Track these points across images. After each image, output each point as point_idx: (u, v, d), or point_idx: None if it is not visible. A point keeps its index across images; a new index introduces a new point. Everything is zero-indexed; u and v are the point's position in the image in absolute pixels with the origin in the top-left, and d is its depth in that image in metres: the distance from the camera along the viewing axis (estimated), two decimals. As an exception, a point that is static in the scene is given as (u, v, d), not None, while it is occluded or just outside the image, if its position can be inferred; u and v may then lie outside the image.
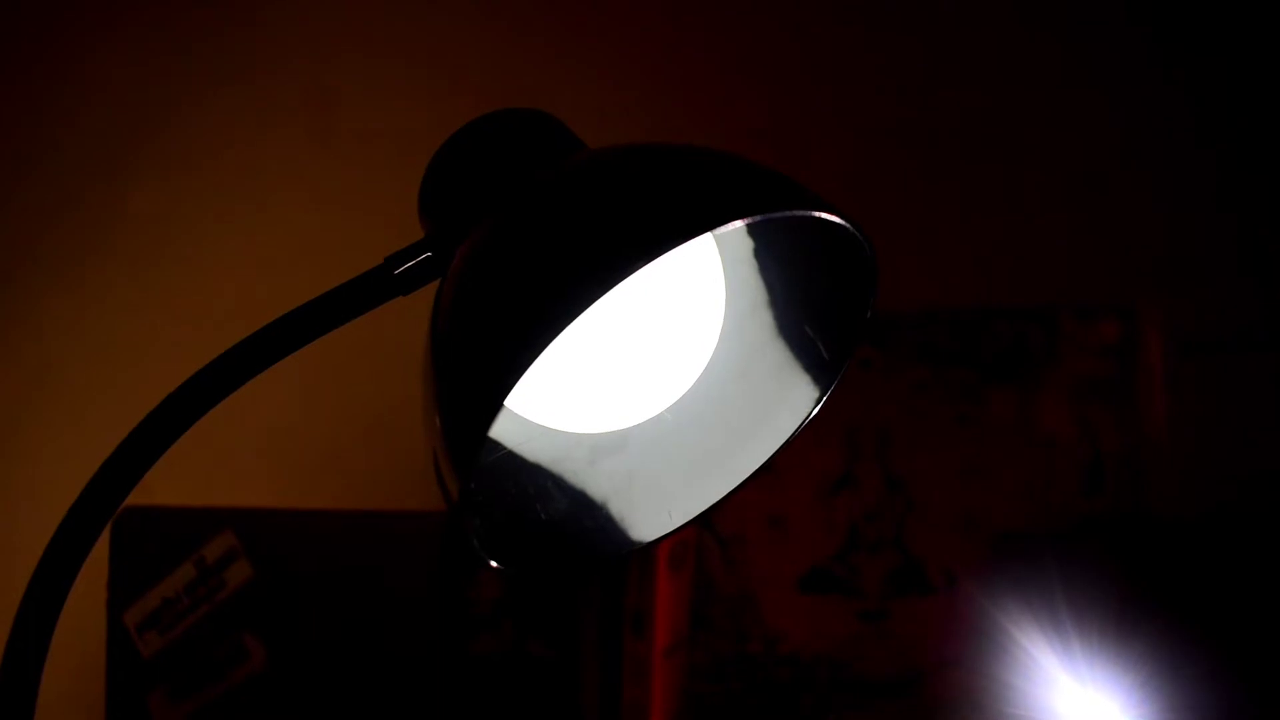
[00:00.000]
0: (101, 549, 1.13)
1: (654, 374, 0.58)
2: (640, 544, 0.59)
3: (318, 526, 1.27)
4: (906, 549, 1.27)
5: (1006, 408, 1.27)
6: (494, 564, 0.52)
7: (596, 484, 0.58)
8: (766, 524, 1.26)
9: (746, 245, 0.56)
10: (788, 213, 0.46)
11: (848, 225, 0.48)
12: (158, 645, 1.25)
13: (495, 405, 0.44)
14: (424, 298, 0.57)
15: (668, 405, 0.58)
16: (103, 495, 0.55)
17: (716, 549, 1.26)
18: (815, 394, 0.57)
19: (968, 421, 1.27)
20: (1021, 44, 1.35)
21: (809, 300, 0.56)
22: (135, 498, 0.58)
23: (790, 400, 0.58)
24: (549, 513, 0.57)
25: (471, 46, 1.35)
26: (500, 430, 0.55)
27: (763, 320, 0.57)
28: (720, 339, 0.58)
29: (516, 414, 0.55)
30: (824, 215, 0.47)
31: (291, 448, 1.28)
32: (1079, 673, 1.13)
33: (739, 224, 0.47)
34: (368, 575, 1.25)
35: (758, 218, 0.47)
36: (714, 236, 0.54)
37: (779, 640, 1.26)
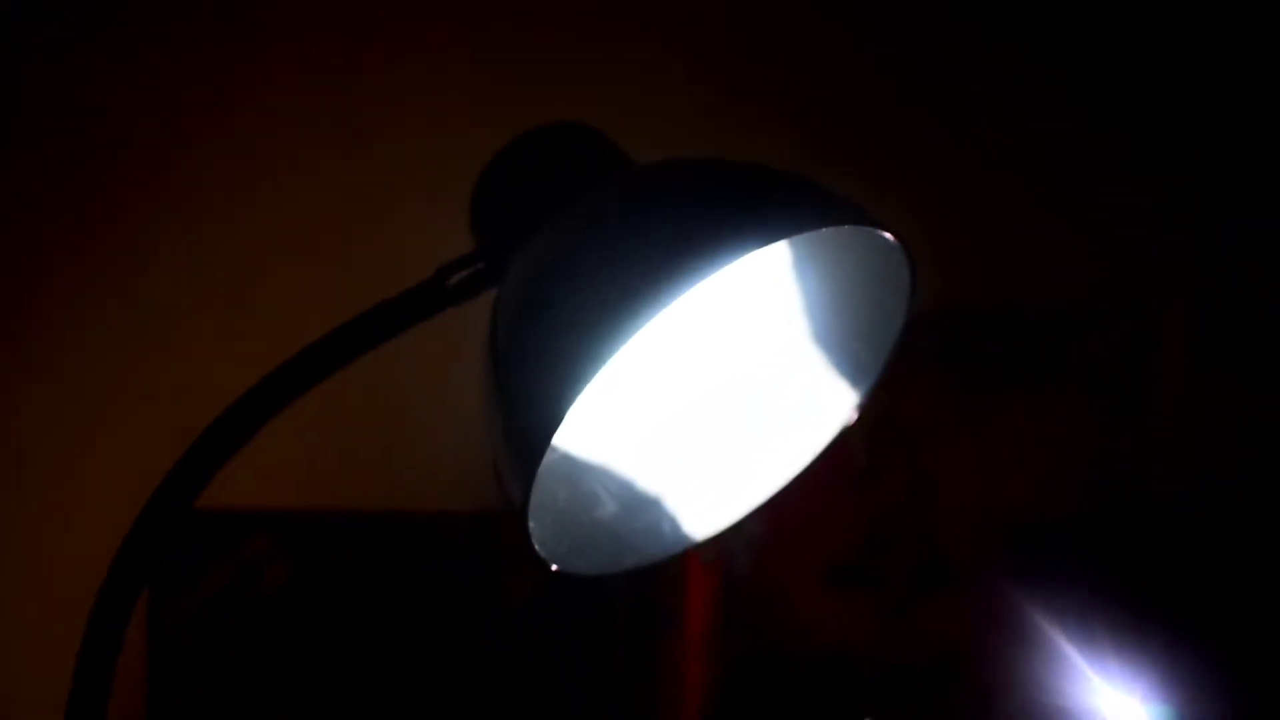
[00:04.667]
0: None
1: (698, 382, 0.60)
2: (686, 545, 0.60)
3: (353, 527, 1.28)
4: (931, 543, 1.28)
5: (1026, 405, 1.28)
6: (554, 567, 0.54)
7: (644, 488, 0.60)
8: (793, 521, 1.28)
9: (786, 256, 0.58)
10: (843, 226, 0.48)
11: (891, 238, 0.50)
12: (197, 643, 1.26)
13: (561, 413, 0.46)
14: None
15: (713, 407, 0.60)
16: (173, 500, 0.57)
17: (743, 547, 1.28)
18: (853, 398, 0.59)
19: (988, 419, 1.28)
20: (1031, 45, 1.36)
21: (847, 308, 0.58)
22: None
23: (829, 404, 0.60)
24: (598, 515, 0.59)
25: (504, 56, 1.37)
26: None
27: (801, 328, 0.59)
28: (761, 346, 0.59)
29: (569, 421, 0.56)
30: (880, 232, 0.49)
31: (327, 449, 1.30)
32: (1097, 662, 1.14)
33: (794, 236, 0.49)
34: (402, 575, 1.26)
35: (816, 230, 0.49)
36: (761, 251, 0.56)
37: (807, 635, 1.28)
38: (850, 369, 0.59)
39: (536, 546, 0.52)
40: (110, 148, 1.37)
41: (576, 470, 0.58)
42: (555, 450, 0.57)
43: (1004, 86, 1.36)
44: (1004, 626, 1.20)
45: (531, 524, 0.52)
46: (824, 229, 0.49)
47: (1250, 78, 1.34)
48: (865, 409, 0.60)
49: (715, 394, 0.61)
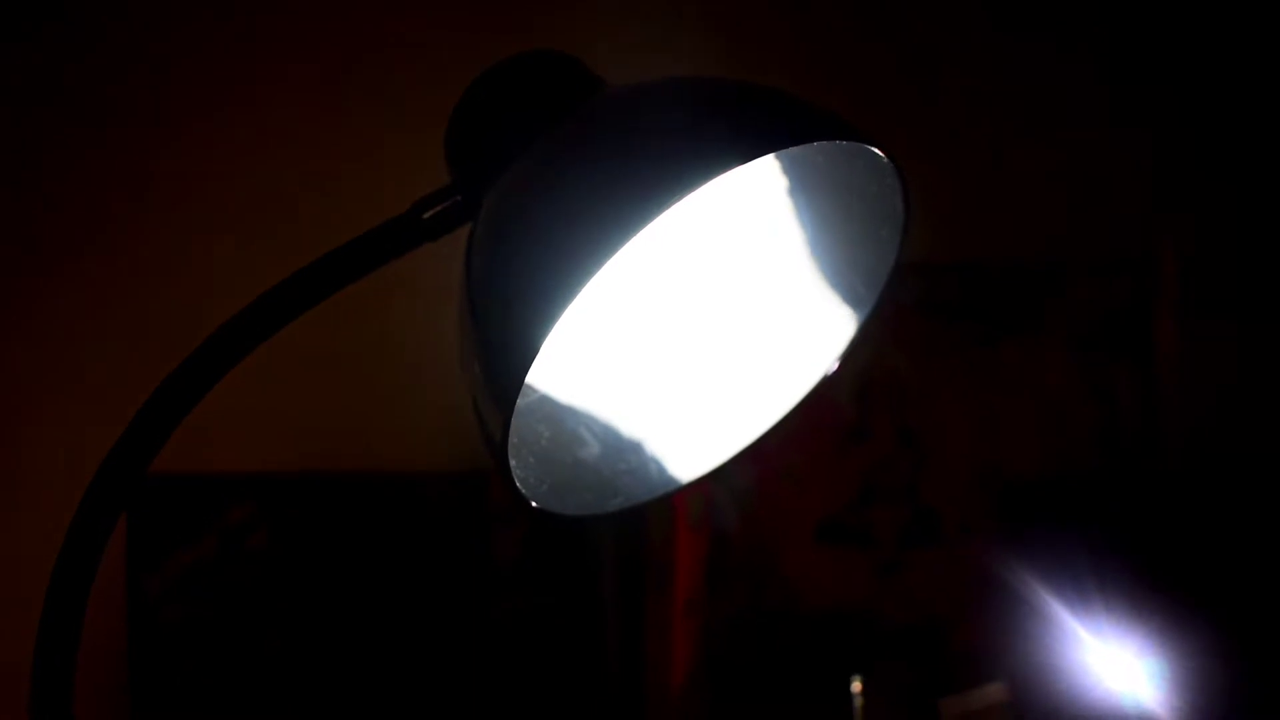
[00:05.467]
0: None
1: (686, 315, 0.58)
2: (673, 487, 0.59)
3: (338, 490, 1.27)
4: (920, 500, 1.27)
5: (1018, 360, 1.27)
6: (534, 505, 0.52)
7: (629, 429, 0.58)
8: (781, 478, 1.26)
9: (778, 185, 0.56)
10: (834, 141, 0.46)
11: (884, 156, 0.48)
12: (179, 614, 1.25)
13: (538, 342, 0.44)
14: (449, 251, 0.56)
15: (701, 346, 0.58)
16: (128, 461, 0.54)
17: (733, 504, 1.26)
18: (849, 329, 0.57)
19: (979, 374, 1.27)
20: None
21: (841, 238, 0.56)
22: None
23: (821, 340, 0.58)
24: (582, 456, 0.57)
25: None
26: (533, 374, 0.55)
27: (795, 259, 0.57)
28: (753, 280, 0.57)
29: (549, 358, 0.54)
30: (873, 150, 0.47)
31: (309, 411, 1.28)
32: (1088, 619, 1.14)
33: (771, 158, 0.47)
34: (388, 536, 1.25)
35: (801, 145, 0.47)
36: (747, 173, 0.54)
37: (797, 593, 1.27)
38: (846, 301, 0.57)
39: (517, 484, 0.50)
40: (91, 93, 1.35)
41: (559, 411, 0.56)
42: (536, 390, 0.55)
43: (998, 41, 1.35)
44: (993, 583, 1.20)
45: (512, 461, 0.50)
46: (812, 144, 0.46)
47: (1241, 27, 1.33)
48: (853, 364, 0.58)
49: (704, 332, 0.59)
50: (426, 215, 0.55)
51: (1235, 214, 1.33)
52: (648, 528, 1.20)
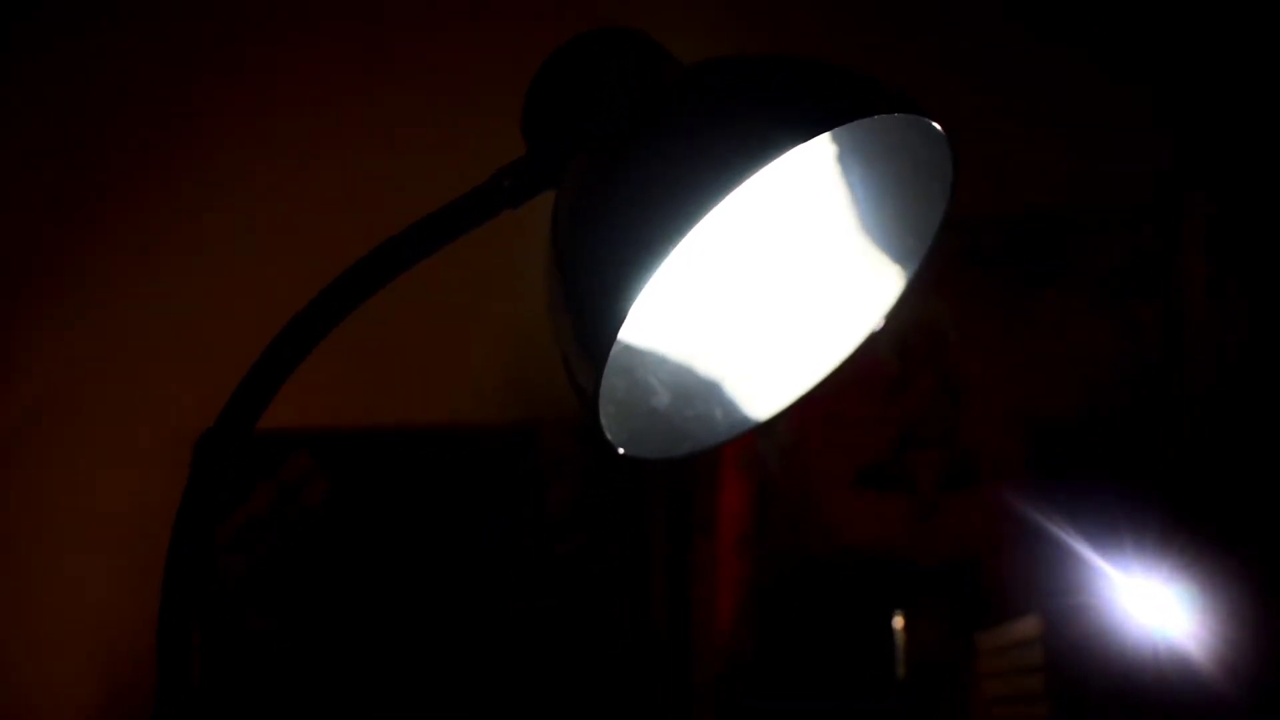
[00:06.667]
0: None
1: (747, 270, 0.62)
2: (740, 430, 0.63)
3: (393, 443, 1.31)
4: (958, 446, 1.30)
5: (1052, 307, 1.30)
6: (620, 450, 0.56)
7: (696, 377, 0.63)
8: (823, 425, 1.30)
9: (829, 150, 0.59)
10: (895, 114, 0.50)
11: (939, 127, 0.52)
12: (242, 565, 1.29)
13: (628, 304, 0.48)
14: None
15: (761, 298, 0.62)
16: (240, 417, 0.59)
17: (776, 453, 1.30)
18: (900, 282, 0.61)
19: (1016, 321, 1.30)
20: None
21: (892, 196, 0.60)
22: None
23: (877, 289, 0.62)
24: (654, 404, 0.61)
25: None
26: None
27: (851, 216, 0.61)
28: (810, 234, 0.61)
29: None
30: (928, 121, 0.51)
31: (365, 364, 1.32)
32: (1121, 557, 1.17)
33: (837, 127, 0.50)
34: (445, 489, 1.29)
35: (870, 117, 0.50)
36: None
37: (839, 536, 1.31)
38: (896, 255, 0.61)
39: (606, 433, 0.55)
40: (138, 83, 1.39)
41: (633, 361, 0.60)
42: (618, 342, 0.59)
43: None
44: (1027, 522, 1.23)
45: (600, 413, 0.54)
46: (875, 116, 0.50)
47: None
48: (894, 316, 0.62)
49: (764, 283, 0.63)
50: (507, 183, 0.59)
51: (1261, 156, 1.33)
52: (695, 474, 1.24)
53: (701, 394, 0.62)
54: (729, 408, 0.63)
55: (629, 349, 0.60)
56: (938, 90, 1.31)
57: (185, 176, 1.39)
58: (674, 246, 0.48)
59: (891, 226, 0.61)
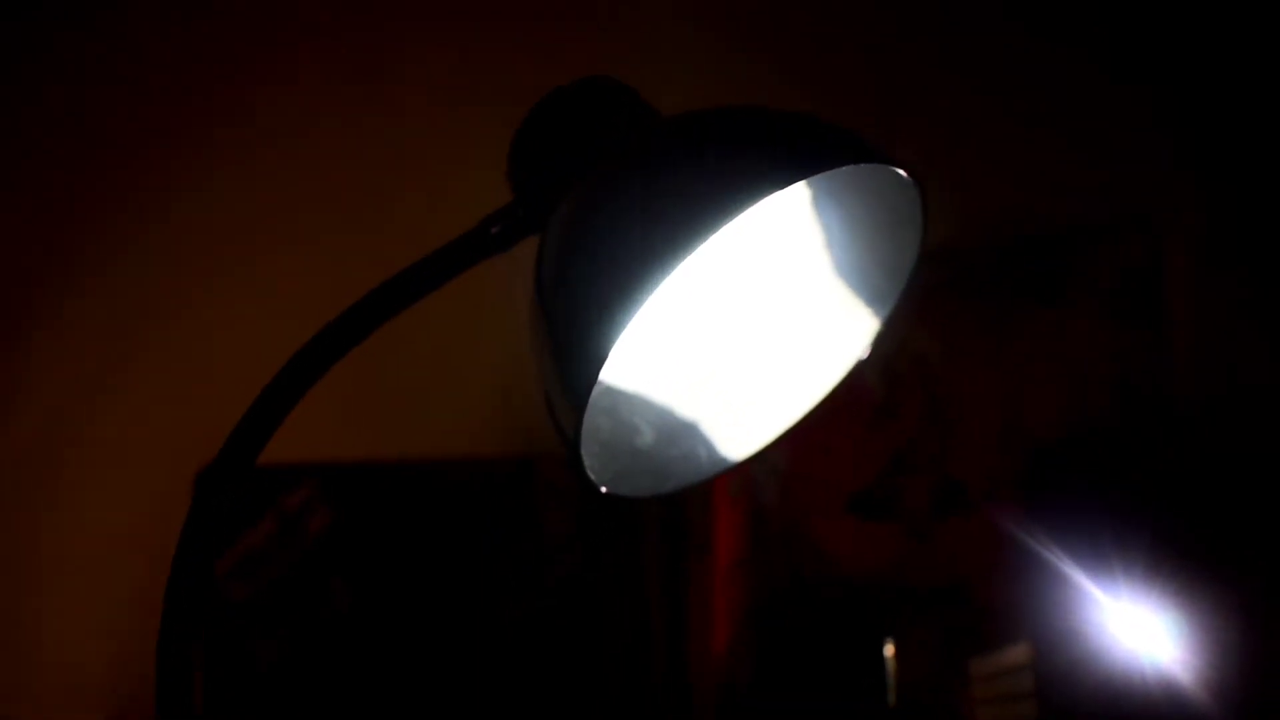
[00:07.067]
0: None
1: (726, 311, 0.64)
2: (722, 468, 0.65)
3: (392, 476, 1.32)
4: (947, 470, 1.31)
5: (1039, 325, 1.30)
6: (603, 490, 0.58)
7: (679, 417, 0.64)
8: (814, 454, 1.31)
9: (805, 195, 0.62)
10: (864, 164, 0.52)
11: (907, 175, 0.54)
12: (245, 593, 1.31)
13: (609, 347, 0.50)
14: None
15: (741, 338, 0.64)
16: (238, 456, 0.61)
17: (769, 480, 1.32)
18: (874, 324, 0.63)
19: (1003, 341, 1.30)
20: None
21: (865, 241, 0.62)
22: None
23: (851, 331, 0.64)
24: (638, 444, 0.63)
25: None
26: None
27: (824, 260, 0.63)
28: (786, 279, 0.63)
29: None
30: (897, 170, 0.53)
31: (364, 399, 1.33)
32: (1110, 582, 1.17)
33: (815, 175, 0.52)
34: (443, 521, 1.30)
35: (843, 167, 0.52)
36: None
37: (831, 563, 1.31)
38: (870, 297, 0.63)
39: (589, 474, 0.57)
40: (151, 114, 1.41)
41: (616, 402, 0.62)
42: (598, 383, 0.61)
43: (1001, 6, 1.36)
44: (1018, 547, 1.23)
45: (583, 453, 0.56)
46: (847, 166, 0.52)
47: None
48: (879, 343, 0.64)
49: (743, 326, 0.65)
50: (494, 230, 0.61)
51: (1245, 166, 1.32)
52: (689, 500, 1.26)
53: (685, 433, 0.64)
54: (711, 446, 0.64)
55: (612, 390, 0.62)
56: (938, 90, 1.33)
57: (191, 207, 1.42)
58: (652, 291, 0.49)
59: (867, 267, 0.63)
